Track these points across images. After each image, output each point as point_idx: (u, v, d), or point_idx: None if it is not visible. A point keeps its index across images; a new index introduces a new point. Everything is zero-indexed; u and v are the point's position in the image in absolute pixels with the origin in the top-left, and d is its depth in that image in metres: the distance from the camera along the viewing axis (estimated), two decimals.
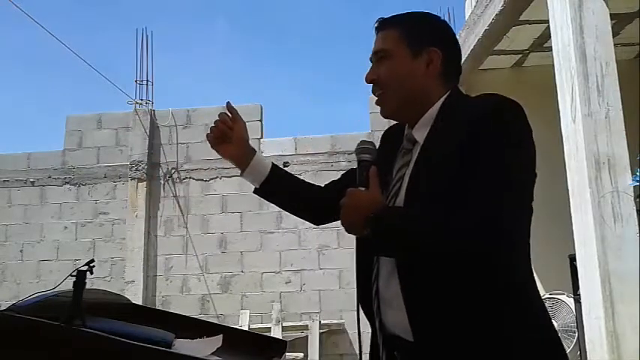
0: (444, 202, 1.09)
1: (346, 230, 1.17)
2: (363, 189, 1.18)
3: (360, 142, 1.28)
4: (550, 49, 4.19)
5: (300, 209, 1.58)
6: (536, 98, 6.10)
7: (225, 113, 1.54)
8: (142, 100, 7.74)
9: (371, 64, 1.30)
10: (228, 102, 1.57)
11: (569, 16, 3.76)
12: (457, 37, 5.65)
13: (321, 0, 22.09)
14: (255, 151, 1.52)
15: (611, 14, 3.81)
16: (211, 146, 1.54)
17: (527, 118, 1.15)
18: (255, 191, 1.53)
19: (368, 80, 1.29)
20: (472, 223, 1.04)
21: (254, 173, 1.50)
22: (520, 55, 6.50)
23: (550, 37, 4.16)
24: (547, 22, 4.30)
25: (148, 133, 7.53)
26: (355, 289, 1.28)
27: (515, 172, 1.08)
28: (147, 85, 7.78)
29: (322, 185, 1.57)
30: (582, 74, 3.68)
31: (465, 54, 6.09)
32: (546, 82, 4.59)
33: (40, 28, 6.63)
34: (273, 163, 1.53)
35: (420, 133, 1.24)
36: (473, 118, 1.12)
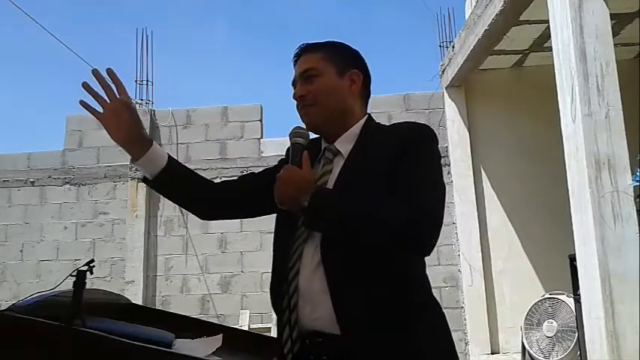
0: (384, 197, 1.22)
1: (279, 203, 1.26)
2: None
3: (295, 127, 1.35)
4: (550, 49, 4.19)
5: (194, 203, 1.52)
6: (536, 98, 6.14)
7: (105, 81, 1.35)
8: (142, 100, 7.74)
9: (297, 85, 1.37)
10: (109, 69, 1.36)
11: (569, 16, 3.76)
12: (457, 37, 5.60)
13: (321, 0, 22.10)
14: (152, 139, 1.41)
15: (611, 14, 3.81)
16: (103, 121, 1.35)
17: None
18: (145, 181, 1.43)
19: (297, 96, 1.37)
20: (405, 206, 1.17)
21: (151, 162, 1.39)
22: (520, 55, 6.50)
23: (550, 37, 4.15)
24: (547, 22, 4.30)
25: (148, 133, 7.50)
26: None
27: (437, 180, 1.26)
28: (147, 85, 7.78)
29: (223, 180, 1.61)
30: (582, 74, 3.67)
31: (465, 54, 6.09)
32: (546, 82, 4.59)
33: (40, 28, 6.63)
34: (168, 154, 1.44)
35: (344, 146, 1.35)
36: (403, 137, 1.28)
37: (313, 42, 1.42)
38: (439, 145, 1.32)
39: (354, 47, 1.45)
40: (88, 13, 19.79)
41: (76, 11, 19.29)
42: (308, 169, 1.26)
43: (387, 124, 1.39)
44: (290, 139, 1.34)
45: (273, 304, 1.33)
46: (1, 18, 18.38)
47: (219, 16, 22.78)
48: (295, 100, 1.38)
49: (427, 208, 1.19)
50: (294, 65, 1.40)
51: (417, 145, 1.27)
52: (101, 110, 1.36)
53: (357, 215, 1.19)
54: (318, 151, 1.39)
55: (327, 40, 1.43)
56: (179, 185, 1.46)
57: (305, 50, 1.40)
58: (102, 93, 1.35)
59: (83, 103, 1.36)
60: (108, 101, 1.35)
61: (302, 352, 1.23)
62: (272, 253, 1.41)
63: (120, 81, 1.36)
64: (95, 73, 1.34)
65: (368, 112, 1.44)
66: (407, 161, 1.23)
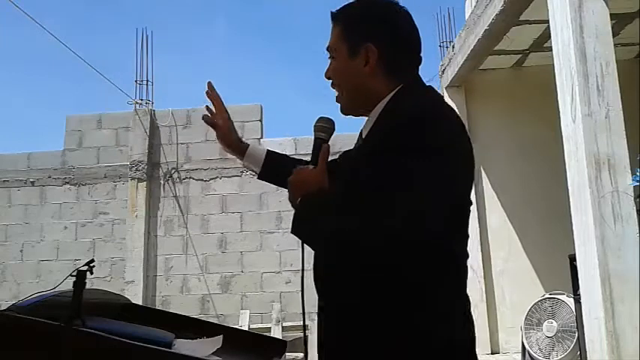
0: (350, 203, 1.10)
1: (292, 206, 1.22)
2: (312, 167, 1.22)
3: (319, 119, 1.28)
4: (550, 49, 4.18)
5: None
6: (536, 98, 6.14)
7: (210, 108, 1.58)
8: (142, 100, 7.74)
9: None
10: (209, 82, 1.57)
11: (569, 16, 3.75)
12: (457, 37, 5.53)
13: (321, 0, 22.11)
14: (248, 143, 1.60)
15: (611, 14, 3.81)
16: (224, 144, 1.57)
17: (452, 126, 1.11)
18: (258, 177, 1.60)
19: (325, 77, 1.30)
20: (364, 224, 1.02)
21: (252, 159, 1.57)
22: (520, 55, 6.50)
23: (550, 37, 4.15)
24: (547, 22, 4.30)
25: (148, 133, 7.53)
26: None
27: (421, 179, 1.02)
28: (147, 85, 7.79)
29: None
30: (582, 74, 3.67)
31: (465, 54, 6.09)
32: (546, 82, 4.59)
33: (40, 28, 6.64)
34: (268, 150, 1.60)
35: (366, 130, 1.24)
36: (391, 123, 1.10)
37: (340, 8, 1.28)
38: (442, 131, 1.08)
39: (380, 6, 1.25)
40: (88, 13, 19.81)
41: (76, 11, 19.31)
42: (320, 168, 1.21)
43: (411, 97, 1.18)
44: (313, 132, 1.28)
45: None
46: (1, 18, 18.40)
47: (219, 16, 22.81)
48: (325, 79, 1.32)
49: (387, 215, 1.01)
50: None
51: (399, 137, 1.06)
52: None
53: (312, 229, 1.14)
54: None
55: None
56: (285, 174, 1.51)
57: (331, 19, 1.28)
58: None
59: (205, 118, 1.59)
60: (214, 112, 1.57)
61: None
62: None
63: (214, 95, 1.55)
64: (208, 84, 1.55)
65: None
66: (384, 156, 1.06)
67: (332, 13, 1.28)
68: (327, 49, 1.28)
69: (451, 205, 1.07)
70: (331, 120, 1.29)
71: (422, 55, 1.27)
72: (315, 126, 1.27)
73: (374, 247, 1.01)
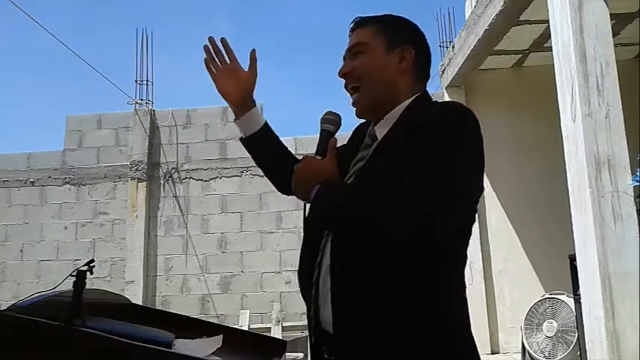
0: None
1: (295, 194, 1.24)
2: (320, 157, 1.22)
3: (326, 112, 1.29)
4: (550, 49, 4.18)
5: (276, 173, 1.56)
6: (536, 98, 6.14)
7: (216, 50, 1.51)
8: (141, 100, 7.74)
9: (344, 61, 1.31)
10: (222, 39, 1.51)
11: (569, 16, 3.76)
12: (457, 37, 5.55)
13: (321, 0, 22.12)
14: (256, 104, 1.54)
15: (611, 14, 3.81)
16: (216, 80, 1.52)
17: (479, 132, 1.13)
18: (241, 140, 1.57)
19: (342, 73, 1.29)
20: (398, 208, 1.04)
21: (248, 122, 1.53)
22: (520, 55, 6.50)
23: (550, 37, 4.15)
24: (547, 22, 4.30)
25: (148, 133, 7.54)
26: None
27: (450, 177, 1.06)
28: (147, 85, 7.79)
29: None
30: (582, 74, 3.67)
31: (465, 54, 6.09)
32: (546, 82, 4.60)
33: (40, 28, 6.64)
34: (266, 121, 1.55)
35: (381, 131, 1.24)
36: (423, 123, 1.13)
37: (369, 15, 1.31)
38: (471, 132, 1.11)
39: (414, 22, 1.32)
40: (89, 14, 19.83)
41: (77, 11, 19.32)
42: (330, 159, 1.21)
43: (434, 103, 1.25)
44: (320, 124, 1.28)
45: (301, 292, 1.31)
46: (2, 18, 18.41)
47: (219, 16, 22.82)
48: (340, 77, 1.30)
49: (416, 201, 1.03)
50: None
51: (432, 137, 1.09)
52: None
53: (354, 216, 1.10)
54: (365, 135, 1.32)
55: (384, 13, 1.33)
56: (267, 152, 1.54)
57: (358, 24, 1.30)
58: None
59: (206, 62, 1.52)
60: (220, 65, 1.50)
61: (318, 347, 1.22)
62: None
63: (231, 49, 1.50)
64: (210, 40, 1.50)
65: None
66: (417, 153, 1.08)
67: (363, 17, 1.31)
68: (352, 47, 1.28)
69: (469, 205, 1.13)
70: (338, 114, 1.30)
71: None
72: (322, 118, 1.28)
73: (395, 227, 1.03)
